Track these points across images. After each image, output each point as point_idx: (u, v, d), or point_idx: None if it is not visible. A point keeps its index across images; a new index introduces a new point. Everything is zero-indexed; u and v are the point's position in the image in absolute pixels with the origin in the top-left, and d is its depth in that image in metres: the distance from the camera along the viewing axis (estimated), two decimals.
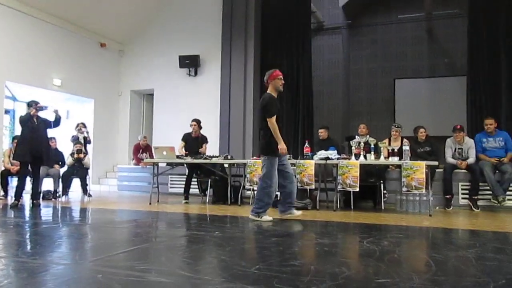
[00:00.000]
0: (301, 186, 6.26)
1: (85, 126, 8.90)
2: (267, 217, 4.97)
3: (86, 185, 8.14)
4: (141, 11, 10.86)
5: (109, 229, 4.62)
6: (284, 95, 10.07)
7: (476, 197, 6.71)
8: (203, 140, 7.84)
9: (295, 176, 6.32)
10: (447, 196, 6.85)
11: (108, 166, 11.10)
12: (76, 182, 8.34)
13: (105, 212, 6.35)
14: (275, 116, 4.95)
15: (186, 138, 7.77)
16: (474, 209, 6.61)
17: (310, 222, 5.17)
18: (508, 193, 6.71)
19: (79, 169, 8.14)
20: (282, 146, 4.96)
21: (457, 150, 7.06)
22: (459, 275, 2.70)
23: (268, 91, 5.17)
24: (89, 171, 8.66)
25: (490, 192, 6.74)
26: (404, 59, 12.56)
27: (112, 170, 11.06)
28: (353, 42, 13.27)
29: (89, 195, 8.12)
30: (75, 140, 8.51)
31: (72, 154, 8.20)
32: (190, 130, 7.78)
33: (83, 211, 6.54)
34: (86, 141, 8.75)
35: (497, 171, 6.77)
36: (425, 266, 2.95)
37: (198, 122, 7.76)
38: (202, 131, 7.93)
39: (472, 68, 8.75)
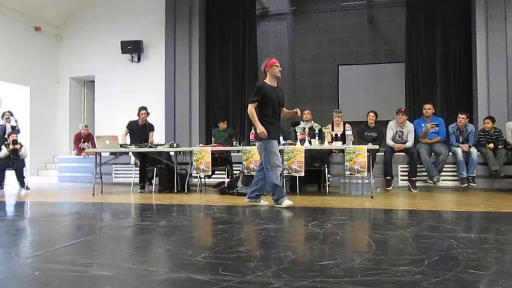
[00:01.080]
0: (248, 172, 6.30)
1: (12, 115, 8.38)
2: (286, 202, 4.99)
3: (23, 177, 7.73)
4: None
5: (49, 223, 4.42)
6: (230, 81, 10.06)
7: (414, 179, 7.08)
8: (150, 128, 7.67)
9: (242, 162, 6.38)
10: (387, 178, 7.17)
11: (48, 157, 10.61)
12: (11, 175, 7.90)
13: (44, 205, 6.07)
14: (255, 103, 4.99)
15: (132, 126, 7.56)
16: (412, 189, 6.96)
17: (257, 207, 5.22)
18: (442, 173, 7.13)
19: (15, 161, 7.70)
20: (259, 129, 4.94)
21: (397, 132, 7.37)
22: (397, 253, 2.84)
23: (265, 80, 5.15)
24: (26, 163, 8.22)
25: (426, 174, 7.13)
26: (348, 45, 12.83)
27: (52, 161, 10.58)
28: (298, 28, 13.38)
29: (27, 188, 7.72)
30: (2, 130, 8.03)
31: (7, 145, 7.74)
32: (135, 118, 7.58)
33: (19, 205, 6.22)
34: (15, 130, 8.24)
35: (432, 153, 7.17)
36: (366, 246, 3.07)
37: (146, 109, 7.58)
38: (148, 119, 7.76)
39: (410, 55, 9.13)
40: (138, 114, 7.56)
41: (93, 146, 8.96)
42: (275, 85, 5.19)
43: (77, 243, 3.24)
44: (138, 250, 3.01)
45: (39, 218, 4.82)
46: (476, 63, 8.24)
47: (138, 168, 7.54)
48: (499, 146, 7.06)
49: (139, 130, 7.53)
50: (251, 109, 5.01)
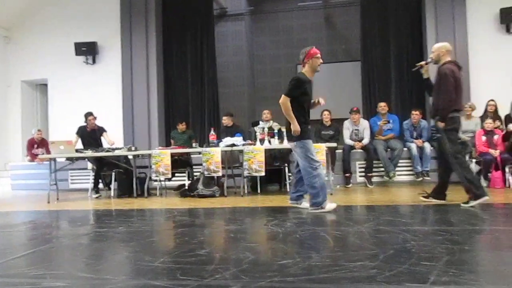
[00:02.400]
0: (208, 174, 6.27)
1: None
2: (330, 205, 4.49)
3: None
4: None
5: (1, 234, 4.23)
6: (189, 82, 9.97)
7: (370, 174, 7.27)
8: (100, 131, 7.49)
9: (202, 164, 6.34)
10: (346, 175, 7.33)
11: None
12: None
13: None
14: (290, 98, 4.49)
15: (82, 132, 7.38)
16: (369, 185, 7.15)
17: (218, 209, 5.21)
18: (398, 168, 7.37)
19: None
20: (294, 127, 4.47)
21: (353, 131, 7.55)
22: (354, 249, 2.90)
23: (302, 71, 4.68)
24: None
25: (383, 169, 7.35)
26: (305, 45, 12.92)
27: (4, 169, 10.12)
28: (256, 29, 13.45)
29: None
30: None
31: None
32: (84, 124, 7.41)
33: None
34: None
35: (388, 149, 7.39)
36: (324, 243, 3.12)
37: (92, 114, 7.41)
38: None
39: (366, 54, 9.35)
40: (86, 121, 7.38)
41: (48, 151, 8.64)
42: (312, 78, 4.71)
43: (31, 253, 3.13)
44: (94, 258, 2.93)
45: None
46: None
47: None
48: None
49: (90, 136, 7.37)
50: (286, 102, 4.47)
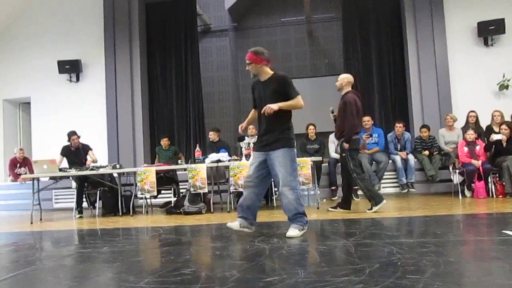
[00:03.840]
0: (194, 190, 6.24)
1: None
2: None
3: None
4: (10, 9, 9.90)
5: None
6: (174, 98, 9.97)
7: (356, 187, 7.29)
8: (86, 149, 7.42)
9: (188, 181, 6.31)
10: (332, 188, 7.36)
11: None
12: None
13: None
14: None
15: (66, 152, 7.30)
16: (354, 198, 7.16)
17: (204, 226, 5.17)
18: (383, 181, 7.44)
19: None
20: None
21: (339, 145, 7.58)
22: (340, 264, 2.90)
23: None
24: None
25: None
26: (289, 60, 13.16)
27: None
28: (240, 44, 13.55)
29: None
30: None
31: None
32: (68, 143, 7.33)
33: None
34: None
35: (373, 162, 7.45)
36: (311, 259, 3.12)
37: (76, 133, 7.33)
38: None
39: (348, 68, 9.47)
40: (69, 140, 7.30)
41: (30, 170, 8.52)
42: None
43: (13, 276, 3.05)
44: (77, 281, 2.87)
45: None
46: (409, 76, 8.71)
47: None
48: (434, 153, 7.46)
49: (74, 155, 7.29)
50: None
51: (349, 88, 5.48)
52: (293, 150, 3.98)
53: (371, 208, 5.35)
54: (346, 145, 5.34)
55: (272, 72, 4.06)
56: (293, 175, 3.92)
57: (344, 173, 5.61)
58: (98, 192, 7.04)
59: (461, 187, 6.76)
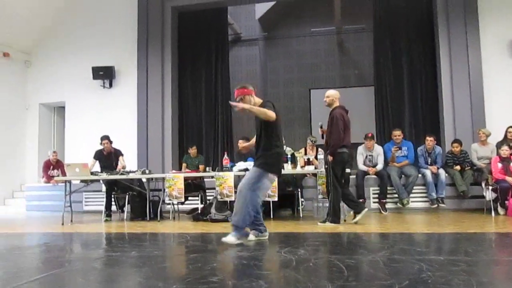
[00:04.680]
0: (221, 198, 6.28)
1: None
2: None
3: None
4: (48, 18, 10.29)
5: (14, 256, 4.25)
6: (203, 106, 10.09)
7: (384, 201, 7.20)
8: (117, 154, 7.57)
9: (215, 188, 6.35)
10: (360, 200, 7.24)
11: (15, 185, 10.30)
12: None
13: (10, 236, 5.84)
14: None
15: (99, 156, 7.47)
16: (382, 211, 7.07)
17: None
18: (412, 195, 7.30)
19: None
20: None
21: (367, 157, 7.52)
22: (368, 279, 2.86)
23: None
24: None
25: (397, 195, 7.28)
26: (318, 70, 13.13)
27: (20, 189, 10.27)
28: (269, 54, 13.63)
29: None
30: None
31: None
32: (101, 147, 7.50)
33: None
34: None
35: (402, 175, 7.33)
36: (338, 272, 3.07)
37: (108, 138, 7.48)
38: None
39: (379, 79, 9.39)
40: (101, 144, 7.48)
41: (63, 173, 8.76)
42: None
43: (44, 277, 3.14)
44: (107, 284, 2.94)
45: (4, 251, 4.63)
46: (441, 89, 8.53)
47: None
48: (466, 168, 7.28)
49: (106, 159, 7.45)
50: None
51: (337, 104, 5.70)
52: (263, 173, 4.26)
53: (324, 222, 5.53)
54: (330, 158, 5.49)
55: (261, 100, 4.45)
56: (253, 188, 4.21)
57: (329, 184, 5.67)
58: (127, 196, 7.16)
59: (494, 204, 6.55)
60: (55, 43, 10.60)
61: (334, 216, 5.49)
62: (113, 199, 7.52)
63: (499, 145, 6.99)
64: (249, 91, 4.41)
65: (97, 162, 7.52)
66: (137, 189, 7.07)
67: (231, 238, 4.21)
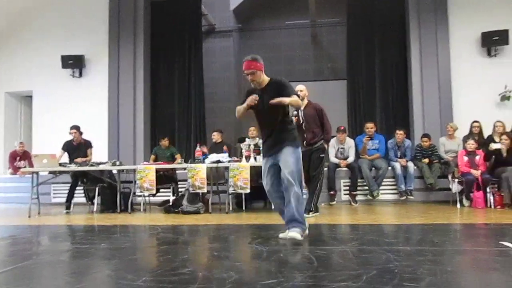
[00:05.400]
0: (193, 190, 6.25)
1: None
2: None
3: None
4: (16, 5, 9.92)
5: None
6: (176, 97, 9.98)
7: (355, 193, 7.32)
8: (87, 145, 7.42)
9: (187, 180, 6.32)
10: (331, 192, 7.36)
11: None
12: None
13: None
14: None
15: (68, 147, 7.30)
16: (353, 203, 7.19)
17: (202, 226, 5.17)
18: (382, 187, 7.45)
19: None
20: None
21: (339, 149, 7.60)
22: (338, 269, 2.90)
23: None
24: None
25: (367, 188, 7.41)
26: (292, 63, 13.15)
27: None
28: (244, 46, 13.56)
29: None
30: None
31: None
32: (70, 137, 7.33)
33: None
34: None
35: (373, 168, 7.47)
36: (308, 263, 3.11)
37: (77, 128, 7.32)
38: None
39: (351, 73, 9.50)
40: (70, 133, 7.31)
41: (30, 164, 8.52)
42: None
43: (10, 270, 3.05)
44: (75, 276, 2.88)
45: None
46: (411, 84, 8.71)
47: (81, 187, 7.29)
48: (434, 161, 7.47)
49: (75, 150, 7.29)
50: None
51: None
52: (299, 150, 3.92)
53: (313, 212, 5.57)
54: (327, 146, 5.91)
55: (268, 78, 4.00)
56: (298, 176, 3.80)
57: (317, 173, 5.63)
58: (97, 188, 7.03)
59: (459, 196, 6.76)
60: (22, 29, 10.24)
61: (316, 205, 5.66)
62: (83, 191, 7.38)
63: (465, 139, 7.20)
64: (262, 66, 3.96)
65: (66, 153, 7.35)
66: (108, 180, 6.95)
67: (297, 234, 3.68)
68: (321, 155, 5.64)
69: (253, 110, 3.98)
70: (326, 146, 5.84)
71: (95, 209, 7.06)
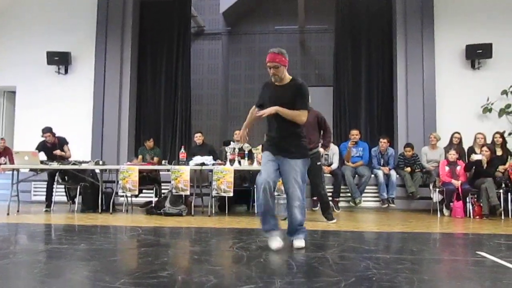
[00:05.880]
0: (176, 192, 6.22)
1: None
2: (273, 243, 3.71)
3: None
4: None
5: None
6: (162, 98, 9.92)
7: (337, 199, 7.37)
8: (62, 143, 7.29)
9: (170, 182, 6.29)
10: (314, 198, 7.39)
11: None
12: None
13: None
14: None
15: (43, 147, 7.18)
16: (335, 210, 7.23)
17: (184, 229, 5.16)
18: (364, 194, 7.52)
19: None
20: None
21: (323, 156, 7.63)
22: (316, 275, 2.92)
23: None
24: None
25: (350, 195, 7.47)
26: None
27: None
28: (232, 49, 13.59)
29: None
30: None
31: None
32: (43, 138, 7.22)
33: None
34: None
35: (356, 175, 7.53)
36: (288, 269, 3.13)
37: (50, 131, 7.15)
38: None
39: (338, 80, 9.56)
40: (43, 136, 7.17)
41: (11, 161, 8.37)
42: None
43: None
44: (51, 277, 2.84)
45: None
46: (396, 93, 8.82)
47: (62, 186, 7.19)
48: (416, 170, 7.57)
49: (51, 150, 7.17)
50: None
51: None
52: (308, 161, 3.84)
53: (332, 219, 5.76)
54: (324, 151, 5.99)
55: (290, 77, 3.84)
56: (303, 187, 3.74)
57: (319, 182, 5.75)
58: (79, 187, 6.95)
59: (440, 205, 6.86)
60: (7, 23, 10.05)
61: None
62: (64, 190, 7.28)
63: (447, 149, 7.31)
64: (286, 61, 3.77)
65: (42, 152, 7.22)
66: (90, 179, 6.87)
67: (302, 241, 3.72)
68: (318, 163, 5.63)
69: (265, 101, 3.87)
70: (323, 151, 5.97)
71: (75, 208, 6.97)
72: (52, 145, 7.18)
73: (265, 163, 3.77)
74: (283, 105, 3.68)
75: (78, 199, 7.03)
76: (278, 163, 3.73)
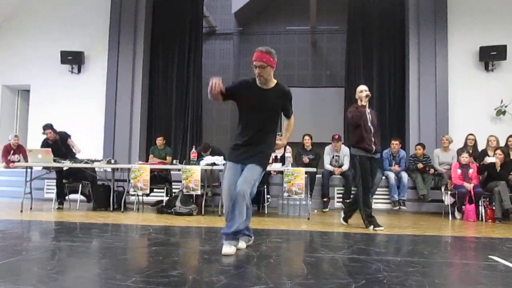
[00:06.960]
0: (187, 192, 6.25)
1: None
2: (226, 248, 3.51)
3: None
4: None
5: None
6: (174, 97, 9.98)
7: (348, 201, 7.32)
8: (64, 138, 7.36)
9: (181, 181, 6.31)
10: (324, 199, 7.39)
11: None
12: None
13: None
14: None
15: (46, 145, 7.22)
16: (324, 210, 7.22)
17: (194, 228, 5.18)
18: (375, 196, 7.47)
19: None
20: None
21: (334, 157, 7.64)
22: (327, 277, 2.91)
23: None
24: None
25: None
26: (291, 68, 13.19)
27: None
28: (243, 49, 13.59)
29: None
30: None
31: None
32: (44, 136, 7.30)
33: None
34: None
35: None
36: (298, 270, 3.13)
37: (51, 127, 7.24)
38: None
39: (349, 81, 9.52)
40: (44, 133, 7.24)
41: (25, 158, 8.48)
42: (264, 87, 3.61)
43: None
44: (63, 274, 2.88)
45: None
46: (408, 94, 8.76)
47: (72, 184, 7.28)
48: (428, 170, 7.49)
49: (54, 147, 7.23)
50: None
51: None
52: (267, 162, 3.72)
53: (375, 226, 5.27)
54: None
55: (275, 81, 3.62)
56: (255, 186, 3.48)
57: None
58: (91, 185, 7.03)
59: (451, 208, 6.80)
60: (23, 22, 10.21)
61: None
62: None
63: (459, 152, 7.23)
64: (274, 62, 3.54)
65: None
66: (90, 173, 6.92)
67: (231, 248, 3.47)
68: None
69: (244, 104, 3.59)
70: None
71: (77, 206, 7.05)
72: (54, 142, 7.25)
73: (230, 175, 3.57)
74: (269, 112, 3.55)
75: (78, 197, 7.13)
76: (242, 167, 3.54)
